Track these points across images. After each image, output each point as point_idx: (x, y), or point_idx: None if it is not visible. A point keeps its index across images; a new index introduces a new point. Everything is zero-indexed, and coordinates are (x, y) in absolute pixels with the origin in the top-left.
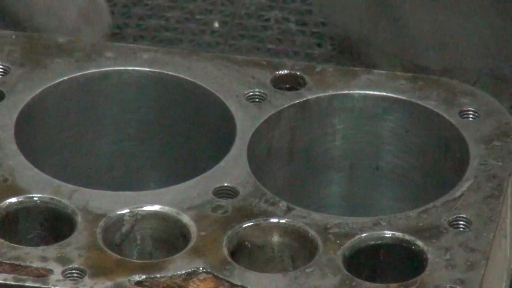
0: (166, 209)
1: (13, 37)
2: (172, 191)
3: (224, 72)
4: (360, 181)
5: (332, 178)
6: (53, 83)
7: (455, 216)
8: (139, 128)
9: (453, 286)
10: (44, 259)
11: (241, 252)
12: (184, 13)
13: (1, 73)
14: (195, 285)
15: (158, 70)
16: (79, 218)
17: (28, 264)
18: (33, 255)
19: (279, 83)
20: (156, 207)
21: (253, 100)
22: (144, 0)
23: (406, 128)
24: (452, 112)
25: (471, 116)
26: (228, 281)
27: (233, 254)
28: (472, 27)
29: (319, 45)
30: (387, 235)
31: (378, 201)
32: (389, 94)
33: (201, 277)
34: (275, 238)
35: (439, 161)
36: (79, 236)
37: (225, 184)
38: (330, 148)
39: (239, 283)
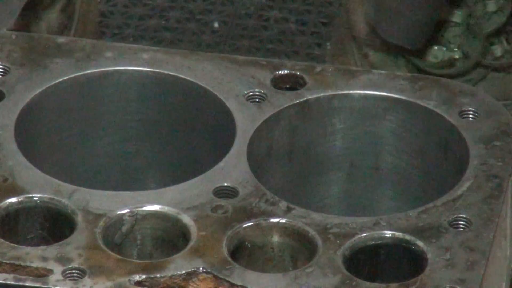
0: (166, 209)
1: (13, 37)
2: (172, 191)
3: (224, 72)
4: (360, 181)
5: (332, 178)
6: (53, 83)
7: (455, 216)
8: (139, 128)
9: (453, 286)
10: (44, 259)
11: (241, 252)
12: (184, 13)
13: (1, 73)
14: (195, 285)
15: (158, 70)
16: (79, 218)
17: (28, 264)
18: (33, 255)
19: (279, 83)
20: (156, 207)
21: (253, 100)
22: (144, 0)
23: (406, 128)
24: (452, 112)
25: (471, 116)
26: (228, 281)
27: (233, 254)
28: None
29: (319, 45)
30: (387, 235)
31: (378, 201)
32: (389, 94)
33: (201, 277)
34: (275, 238)
35: (439, 161)
36: (79, 236)
37: (225, 184)
38: (330, 148)
39: (239, 283)
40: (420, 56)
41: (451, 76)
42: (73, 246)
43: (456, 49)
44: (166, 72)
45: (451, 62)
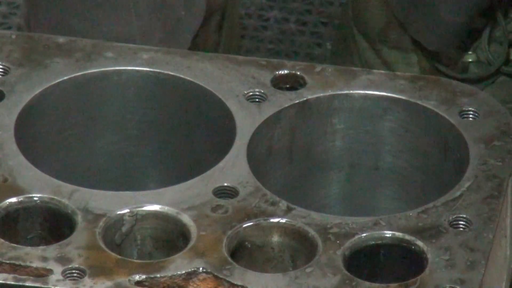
0: (166, 209)
1: (13, 37)
2: (172, 191)
3: (224, 72)
4: (360, 181)
5: (332, 178)
6: (53, 83)
7: (455, 216)
8: (139, 128)
9: (453, 286)
10: (44, 259)
11: (241, 252)
12: None
13: (1, 73)
14: (195, 285)
15: (158, 70)
16: (79, 218)
17: (28, 264)
18: (33, 255)
19: (279, 83)
20: (156, 207)
21: (253, 100)
22: None
23: (406, 128)
24: (452, 112)
25: (471, 116)
26: (228, 281)
27: (233, 254)
28: None
29: (319, 45)
30: (387, 235)
31: (378, 201)
32: (389, 94)
33: (201, 277)
34: (275, 238)
35: (439, 161)
36: (79, 236)
37: (225, 184)
38: (330, 148)
39: (239, 283)
40: (438, 59)
41: (466, 80)
42: (73, 246)
43: (470, 53)
44: (166, 72)
45: (464, 66)
